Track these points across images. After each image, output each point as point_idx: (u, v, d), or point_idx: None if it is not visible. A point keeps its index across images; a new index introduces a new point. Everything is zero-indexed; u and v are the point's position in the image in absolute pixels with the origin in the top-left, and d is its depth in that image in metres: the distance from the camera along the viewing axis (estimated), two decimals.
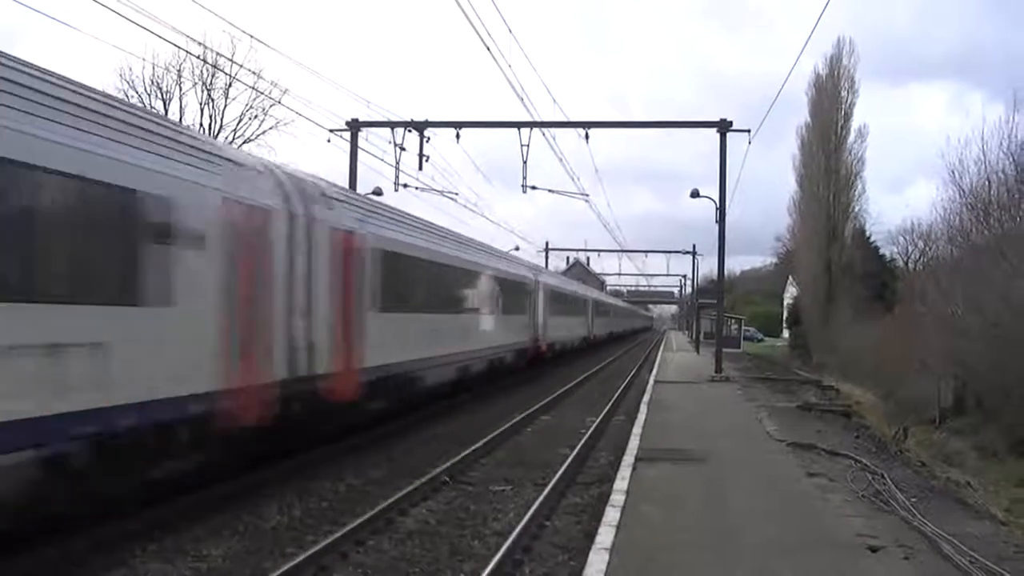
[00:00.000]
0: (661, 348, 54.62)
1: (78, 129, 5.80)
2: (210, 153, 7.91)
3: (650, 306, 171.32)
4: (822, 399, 23.64)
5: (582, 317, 42.12)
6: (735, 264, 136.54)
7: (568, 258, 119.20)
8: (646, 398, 20.39)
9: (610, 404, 20.43)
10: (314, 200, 9.85)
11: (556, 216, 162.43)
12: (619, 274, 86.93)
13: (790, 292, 73.49)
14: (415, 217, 15.17)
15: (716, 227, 27.12)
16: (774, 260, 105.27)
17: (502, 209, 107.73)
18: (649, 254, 72.84)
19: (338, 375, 10.43)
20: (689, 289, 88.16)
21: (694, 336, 61.71)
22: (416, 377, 14.00)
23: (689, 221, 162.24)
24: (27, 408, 5.34)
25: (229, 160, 8.20)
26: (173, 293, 6.89)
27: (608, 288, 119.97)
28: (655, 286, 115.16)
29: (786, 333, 71.22)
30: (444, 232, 16.85)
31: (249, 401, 8.34)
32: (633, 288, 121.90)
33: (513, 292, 22.67)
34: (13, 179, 5.25)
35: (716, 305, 31.32)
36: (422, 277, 14.14)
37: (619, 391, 23.75)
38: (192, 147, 7.58)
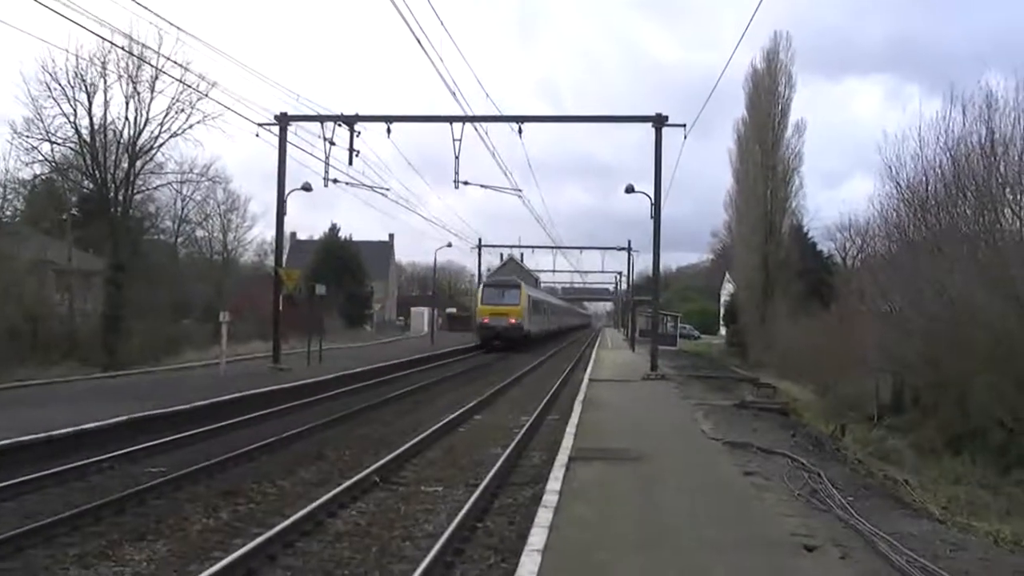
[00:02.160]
0: (596, 346, 55.09)
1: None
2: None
3: (586, 303, 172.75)
4: (759, 397, 24.09)
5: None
6: (671, 261, 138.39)
7: (502, 255, 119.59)
8: (580, 397, 20.59)
9: (544, 403, 20.65)
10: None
11: (490, 212, 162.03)
12: (553, 271, 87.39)
13: (727, 289, 74.86)
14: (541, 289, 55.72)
15: (651, 223, 27.44)
16: (711, 256, 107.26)
17: (435, 205, 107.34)
18: (584, 251, 72.93)
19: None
20: (624, 286, 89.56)
21: (629, 334, 62.40)
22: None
23: (624, 217, 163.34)
24: None
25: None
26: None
27: (542, 285, 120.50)
28: (590, 283, 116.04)
29: (723, 330, 72.55)
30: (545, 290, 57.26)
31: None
32: (568, 285, 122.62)
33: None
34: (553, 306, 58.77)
35: (652, 302, 31.71)
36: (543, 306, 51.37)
37: (553, 390, 24.05)
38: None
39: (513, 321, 47.27)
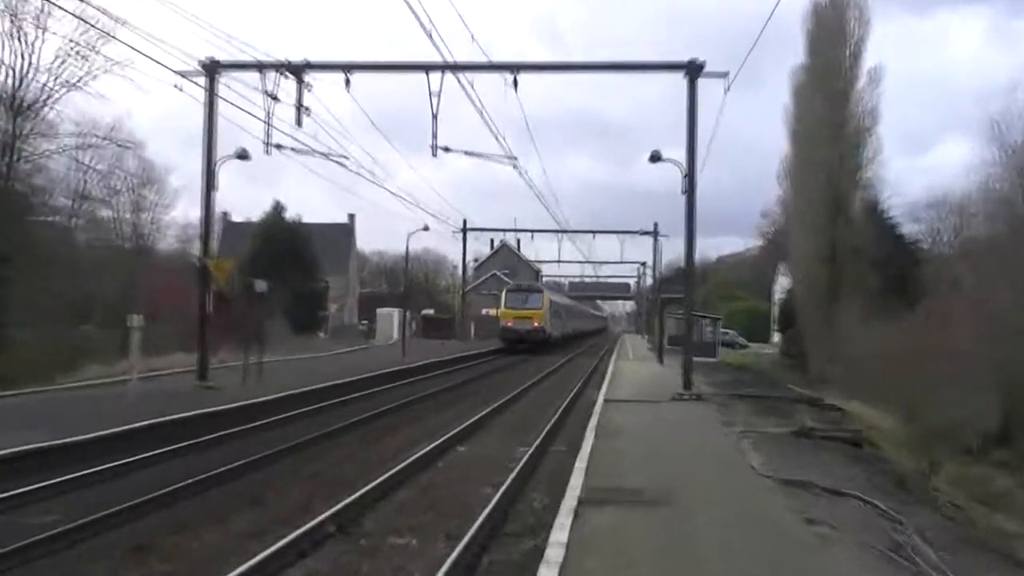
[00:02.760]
0: (614, 356, 55.58)
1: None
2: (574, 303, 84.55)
3: (600, 303, 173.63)
4: (823, 423, 24.10)
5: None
6: (710, 248, 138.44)
7: (493, 241, 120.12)
8: (593, 422, 20.66)
9: (547, 429, 20.70)
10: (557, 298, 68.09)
11: (477, 187, 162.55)
12: (558, 261, 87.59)
13: (781, 284, 74.97)
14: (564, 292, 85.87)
15: (683, 200, 27.44)
16: (760, 243, 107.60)
17: (407, 178, 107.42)
18: (597, 235, 73.20)
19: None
20: (649, 280, 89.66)
21: (656, 341, 62.45)
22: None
23: (648, 192, 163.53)
24: None
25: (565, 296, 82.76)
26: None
27: (544, 278, 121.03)
28: (605, 277, 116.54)
29: (776, 337, 72.70)
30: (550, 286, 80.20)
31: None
32: (577, 279, 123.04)
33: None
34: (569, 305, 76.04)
35: (684, 301, 31.74)
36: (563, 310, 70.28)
37: (558, 413, 24.19)
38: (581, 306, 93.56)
39: (536, 324, 61.35)
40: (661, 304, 57.93)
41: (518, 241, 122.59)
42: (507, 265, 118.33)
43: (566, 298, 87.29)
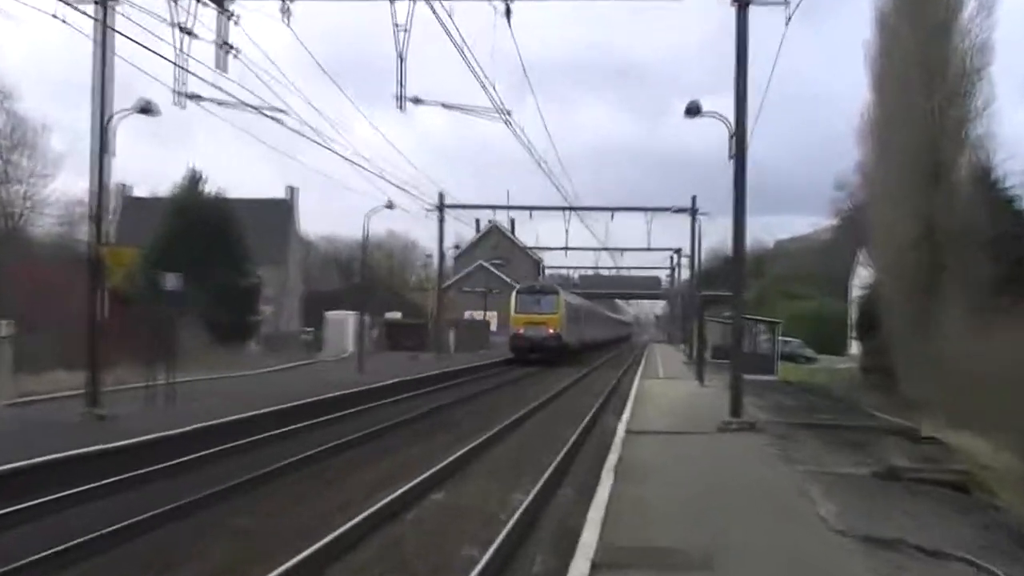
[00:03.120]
0: (639, 373, 56.25)
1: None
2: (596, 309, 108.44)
3: (621, 304, 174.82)
4: (918, 460, 24.04)
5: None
6: (766, 231, 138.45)
7: (478, 222, 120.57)
8: (612, 459, 20.73)
9: (553, 468, 20.74)
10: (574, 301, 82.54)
11: (458, 150, 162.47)
12: (565, 248, 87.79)
13: (861, 277, 74.84)
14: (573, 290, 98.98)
15: (730, 167, 27.55)
16: (833, 223, 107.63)
17: (364, 138, 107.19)
18: (617, 213, 73.45)
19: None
20: (685, 273, 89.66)
21: (693, 352, 62.61)
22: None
23: (685, 157, 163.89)
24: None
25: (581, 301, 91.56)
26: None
27: (546, 271, 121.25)
28: (627, 269, 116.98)
29: (855, 347, 72.69)
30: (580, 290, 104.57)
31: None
32: (591, 272, 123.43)
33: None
34: (588, 309, 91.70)
35: (732, 300, 31.76)
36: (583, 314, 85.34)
37: (567, 447, 24.36)
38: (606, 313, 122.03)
39: (551, 331, 68.48)
40: (701, 304, 58.09)
41: (512, 222, 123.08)
42: (498, 253, 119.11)
43: (583, 300, 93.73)
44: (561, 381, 50.75)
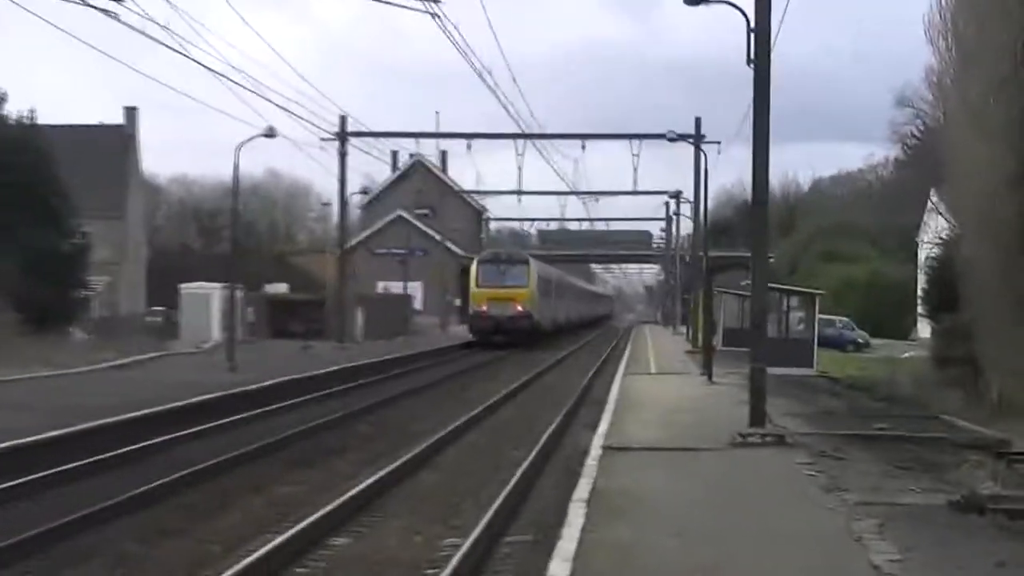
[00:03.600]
0: (622, 366, 57.20)
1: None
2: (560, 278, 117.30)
3: (598, 271, 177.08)
4: (1012, 487, 23.97)
5: None
6: (801, 164, 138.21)
7: (395, 156, 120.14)
8: (584, 488, 20.79)
9: (500, 503, 20.70)
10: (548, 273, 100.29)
11: (367, 57, 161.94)
12: (518, 192, 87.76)
13: (934, 231, 75.06)
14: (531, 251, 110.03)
15: (748, 77, 27.98)
16: (894, 154, 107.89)
17: (232, 38, 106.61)
18: (589, 142, 73.98)
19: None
20: (687, 227, 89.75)
21: (697, 337, 62.67)
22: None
23: (686, 64, 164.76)
24: None
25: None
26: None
27: (492, 227, 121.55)
28: (605, 220, 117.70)
29: (925, 329, 72.88)
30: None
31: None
32: (555, 225, 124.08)
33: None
34: (562, 282, 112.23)
35: (751, 261, 31.63)
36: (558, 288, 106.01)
37: (521, 470, 24.36)
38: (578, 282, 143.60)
39: (520, 309, 75.71)
40: (708, 270, 58.16)
41: (443, 156, 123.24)
42: (424, 199, 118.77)
43: (556, 270, 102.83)
44: (510, 380, 51.23)
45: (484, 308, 75.77)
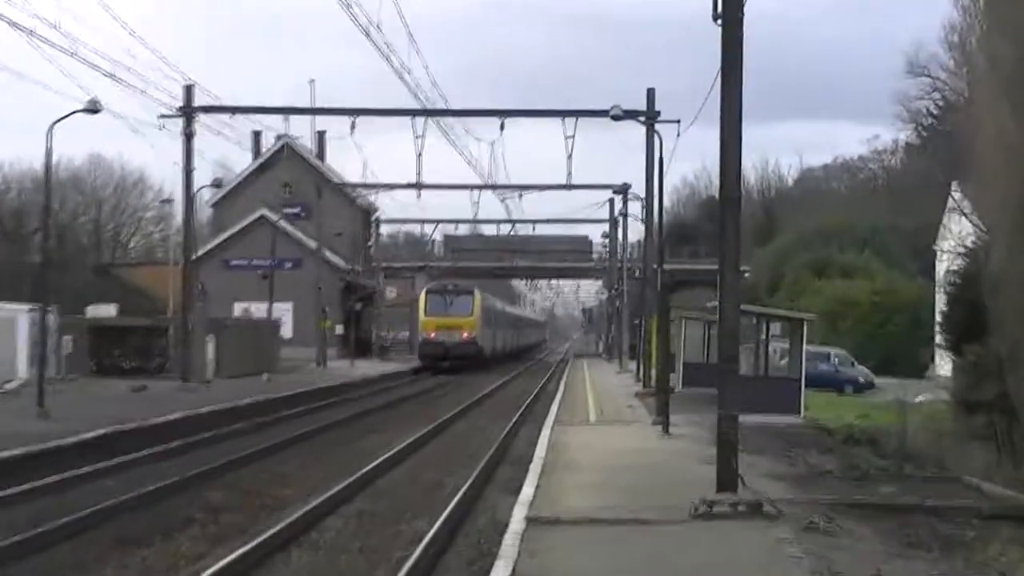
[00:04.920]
0: (552, 411, 57.94)
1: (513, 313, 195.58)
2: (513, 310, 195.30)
3: (522, 288, 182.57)
4: None
5: None
6: (785, 149, 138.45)
7: (259, 137, 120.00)
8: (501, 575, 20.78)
9: None
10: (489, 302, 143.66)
11: (220, 10, 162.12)
12: (418, 186, 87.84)
13: (956, 236, 75.43)
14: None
15: (714, 36, 28.13)
16: (903, 137, 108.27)
17: None
18: (510, 120, 74.00)
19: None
20: (638, 233, 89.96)
21: (649, 374, 62.72)
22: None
23: (631, 21, 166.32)
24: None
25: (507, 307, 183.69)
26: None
27: (384, 231, 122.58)
28: (532, 223, 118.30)
29: (944, 365, 73.14)
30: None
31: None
32: (464, 230, 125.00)
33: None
34: (510, 316, 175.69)
35: (719, 276, 31.63)
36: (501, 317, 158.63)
37: (419, 551, 24.38)
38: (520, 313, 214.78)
39: (466, 336, 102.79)
40: (665, 287, 58.19)
41: (320, 139, 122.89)
42: (295, 195, 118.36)
43: (497, 299, 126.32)
44: (410, 429, 52.03)
45: (432, 335, 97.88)
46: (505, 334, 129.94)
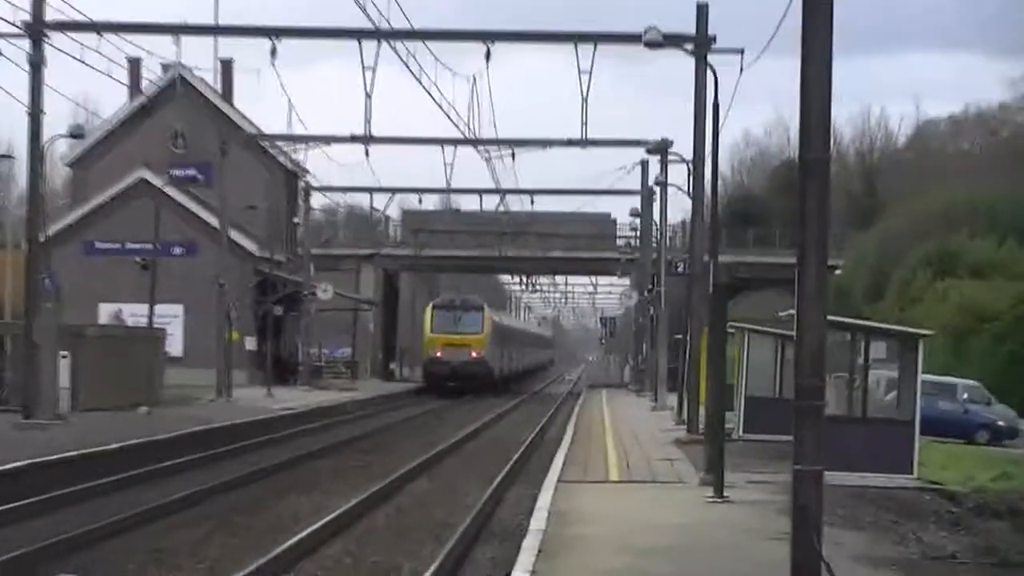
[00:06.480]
0: (556, 466, 57.40)
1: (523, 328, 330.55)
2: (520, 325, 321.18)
3: (521, 293, 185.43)
4: None
5: None
6: (889, 97, 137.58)
7: (137, 67, 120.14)
8: None
9: None
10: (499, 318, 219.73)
11: None
12: (366, 140, 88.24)
13: None
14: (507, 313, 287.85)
15: None
16: None
17: None
18: (498, 47, 74.48)
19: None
20: (681, 212, 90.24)
21: (693, 410, 63.42)
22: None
23: None
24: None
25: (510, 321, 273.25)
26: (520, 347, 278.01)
27: (316, 204, 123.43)
28: (530, 194, 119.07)
29: None
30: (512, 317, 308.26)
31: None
32: (432, 202, 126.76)
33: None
34: (517, 333, 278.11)
35: (799, 271, 31.59)
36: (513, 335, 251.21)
37: None
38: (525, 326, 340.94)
39: (475, 355, 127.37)
40: (718, 289, 58.11)
41: (225, 71, 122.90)
42: (191, 150, 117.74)
43: (505, 315, 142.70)
44: (346, 491, 51.93)
45: (439, 354, 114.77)
46: (514, 353, 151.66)
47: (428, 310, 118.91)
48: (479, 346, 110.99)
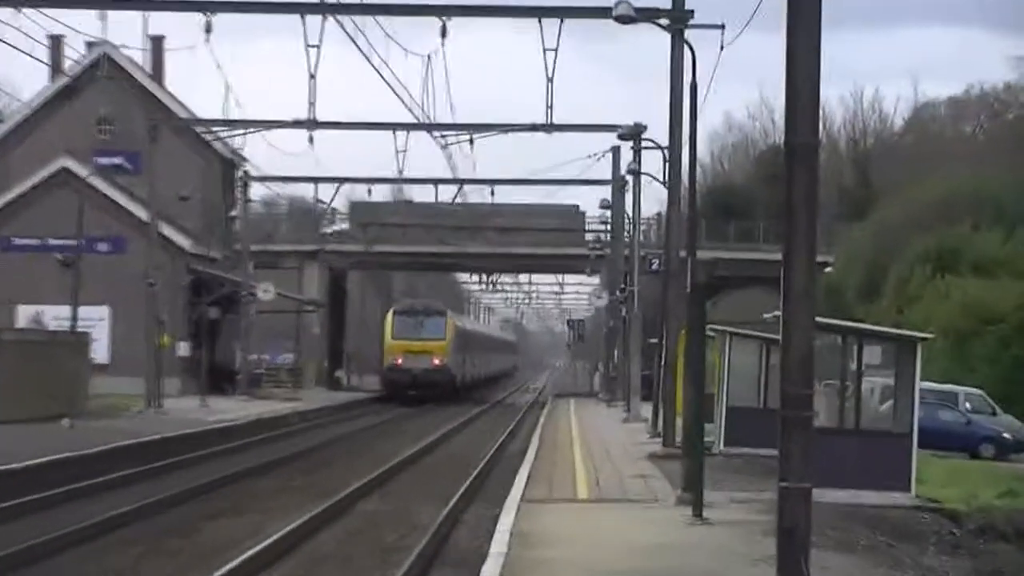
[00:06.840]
0: (520, 483, 57.79)
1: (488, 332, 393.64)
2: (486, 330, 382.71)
3: (478, 291, 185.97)
4: None
5: None
6: (884, 77, 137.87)
7: (58, 44, 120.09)
8: None
9: None
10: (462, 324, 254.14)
11: None
12: (311, 124, 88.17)
13: None
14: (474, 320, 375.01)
15: None
16: None
17: None
18: (455, 20, 74.49)
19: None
20: (655, 203, 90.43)
21: (669, 422, 64.12)
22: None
23: None
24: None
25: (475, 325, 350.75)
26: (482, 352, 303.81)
27: (255, 195, 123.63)
28: (492, 183, 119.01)
29: None
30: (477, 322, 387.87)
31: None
32: (382, 193, 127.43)
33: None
34: (479, 338, 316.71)
35: (785, 268, 31.51)
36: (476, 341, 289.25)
37: None
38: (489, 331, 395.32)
39: (437, 362, 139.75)
40: (697, 287, 58.03)
41: (156, 48, 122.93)
42: (118, 136, 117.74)
43: (469, 320, 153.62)
44: (284, 512, 52.36)
45: (399, 361, 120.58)
46: (476, 360, 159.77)
47: (389, 316, 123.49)
48: (441, 353, 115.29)
